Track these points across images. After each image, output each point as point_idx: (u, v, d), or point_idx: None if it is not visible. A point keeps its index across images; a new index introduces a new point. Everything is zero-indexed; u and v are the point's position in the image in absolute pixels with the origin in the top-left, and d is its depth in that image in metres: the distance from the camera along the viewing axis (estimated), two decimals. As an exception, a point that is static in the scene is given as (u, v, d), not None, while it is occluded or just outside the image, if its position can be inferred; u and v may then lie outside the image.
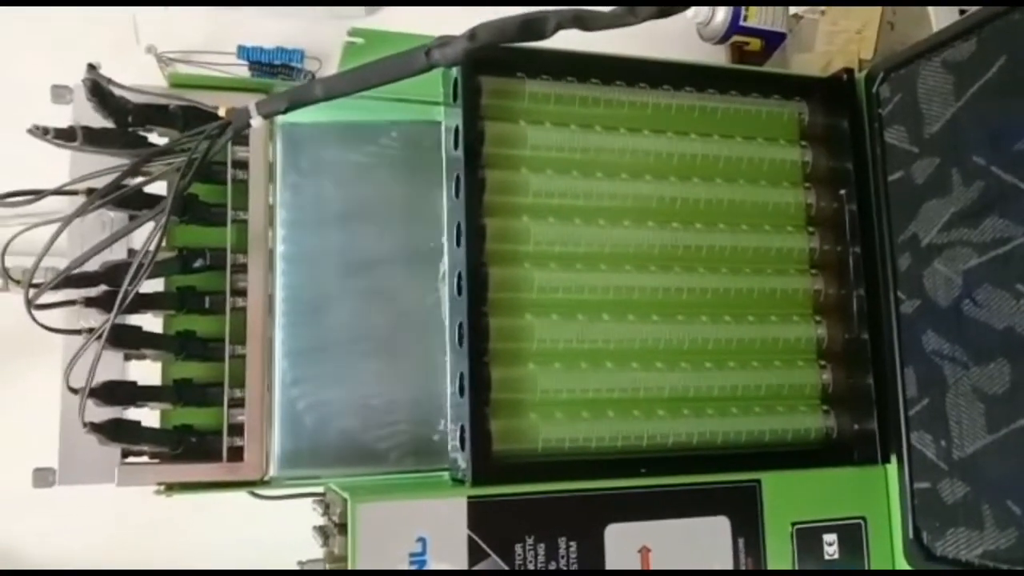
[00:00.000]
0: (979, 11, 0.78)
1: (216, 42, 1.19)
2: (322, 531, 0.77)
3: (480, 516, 0.73)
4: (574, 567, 0.75)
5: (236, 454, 0.79)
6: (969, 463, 0.77)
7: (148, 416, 0.80)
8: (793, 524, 0.82)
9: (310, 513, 0.82)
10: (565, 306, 0.83)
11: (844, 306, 0.90)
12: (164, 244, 0.78)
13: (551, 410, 0.81)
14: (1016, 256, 0.73)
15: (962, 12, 0.98)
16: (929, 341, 0.82)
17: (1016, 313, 0.73)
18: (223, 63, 1.17)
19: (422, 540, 0.71)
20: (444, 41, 0.64)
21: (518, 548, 0.74)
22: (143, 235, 0.74)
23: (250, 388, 0.80)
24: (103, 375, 0.74)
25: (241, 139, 0.82)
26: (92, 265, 0.75)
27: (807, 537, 0.82)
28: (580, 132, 0.86)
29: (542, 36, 0.64)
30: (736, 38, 1.31)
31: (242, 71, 1.19)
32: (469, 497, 0.73)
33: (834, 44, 1.16)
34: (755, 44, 1.32)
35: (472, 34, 0.63)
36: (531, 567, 0.73)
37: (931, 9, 1.02)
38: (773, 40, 1.30)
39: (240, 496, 0.81)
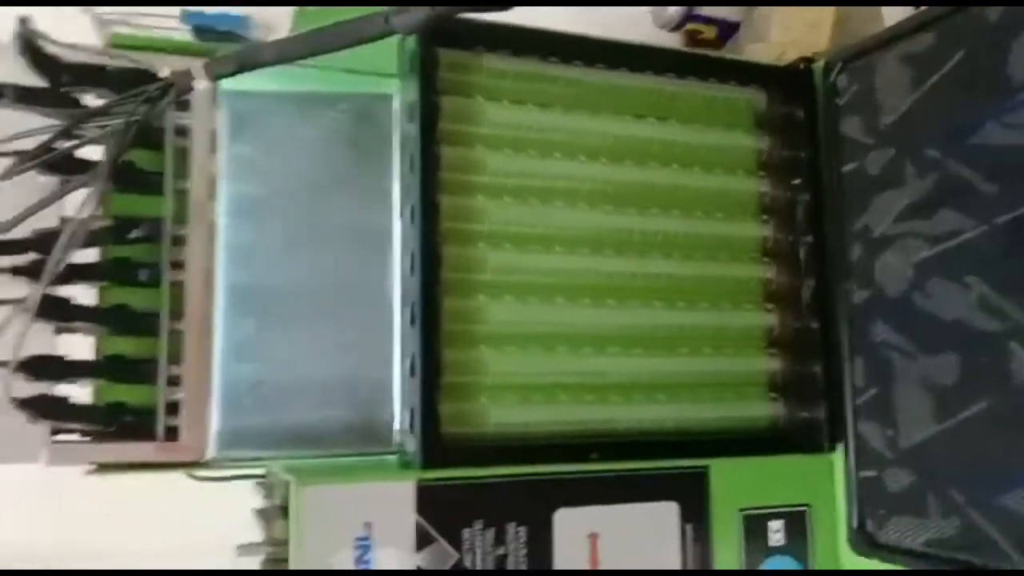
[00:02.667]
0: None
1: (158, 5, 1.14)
2: (263, 514, 0.74)
3: (428, 500, 0.71)
4: (522, 552, 0.74)
5: (173, 434, 0.76)
6: (915, 452, 0.78)
7: (80, 393, 0.76)
8: (740, 510, 0.82)
9: (252, 495, 0.79)
10: (519, 288, 0.82)
11: (795, 295, 0.90)
12: (99, 212, 0.75)
13: (503, 393, 0.79)
14: (967, 249, 0.73)
15: (916, 8, 0.99)
16: (878, 331, 0.82)
17: (965, 305, 0.73)
18: (165, 27, 1.12)
19: (368, 524, 0.69)
20: (404, 8, 0.61)
21: (466, 533, 0.72)
22: (77, 202, 0.70)
23: (188, 365, 0.76)
24: (31, 349, 0.70)
25: (183, 104, 0.78)
26: (21, 232, 0.71)
27: (754, 523, 0.83)
28: (539, 111, 0.85)
29: (505, 6, 0.62)
30: (690, 26, 1.30)
31: (185, 37, 1.14)
32: (418, 481, 0.71)
33: (788, 34, 1.16)
34: (709, 32, 1.31)
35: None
36: (479, 552, 0.72)
37: (884, 4, 1.03)
38: (727, 29, 1.30)
39: (177, 476, 0.78)
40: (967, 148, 0.74)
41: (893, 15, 1.01)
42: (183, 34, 1.14)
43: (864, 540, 0.82)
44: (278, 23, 1.14)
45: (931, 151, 0.77)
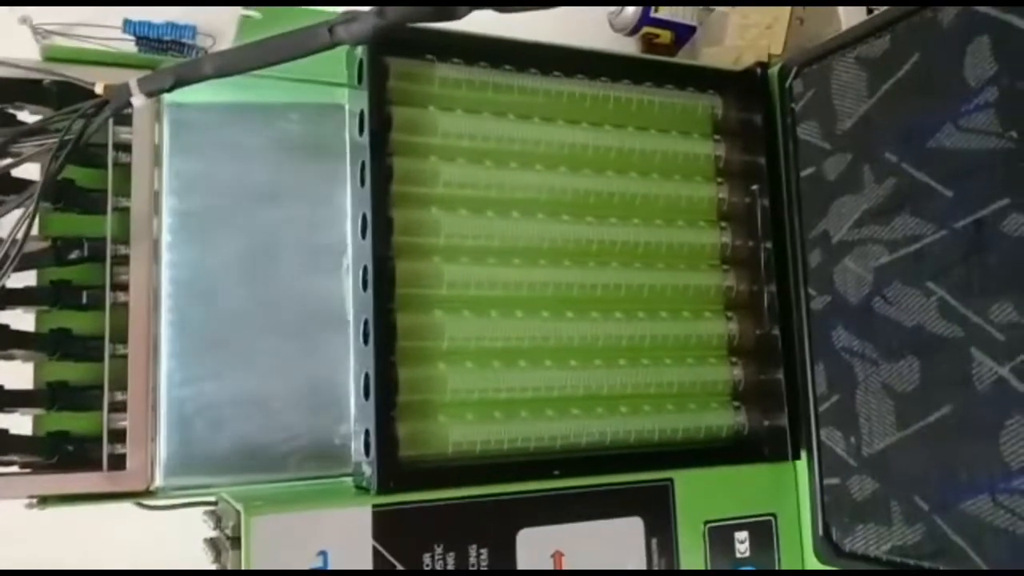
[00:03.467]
0: (893, 8, 0.78)
1: (99, 15, 1.10)
2: (213, 544, 0.71)
3: (386, 526, 0.69)
4: (485, 575, 0.72)
5: (118, 462, 0.72)
6: (878, 459, 0.77)
7: (19, 422, 0.73)
8: (705, 523, 0.81)
9: (202, 524, 0.76)
10: (477, 302, 0.80)
11: (755, 302, 0.89)
12: (36, 233, 0.72)
13: (462, 411, 0.77)
14: (927, 254, 0.73)
15: (870, 11, 0.99)
16: (839, 338, 0.82)
17: (926, 311, 0.73)
18: (107, 37, 1.08)
19: (323, 554, 0.66)
20: (350, 17, 0.59)
21: (426, 558, 0.70)
22: (11, 223, 0.67)
23: (133, 390, 0.73)
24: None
25: (124, 119, 0.75)
26: (-49, 256, 0.67)
27: (719, 535, 0.82)
28: (493, 120, 0.83)
29: (455, 16, 0.60)
30: (646, 30, 1.30)
31: (128, 47, 1.11)
32: (374, 506, 0.69)
33: (744, 38, 1.15)
34: (665, 36, 1.31)
35: (380, 10, 0.58)
36: (440, 577, 0.70)
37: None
38: (683, 33, 1.29)
39: (125, 507, 0.75)
40: (925, 152, 0.74)
41: (851, 17, 1.01)
42: (125, 44, 1.10)
43: (830, 549, 0.81)
44: (224, 32, 1.11)
45: (889, 155, 0.77)
